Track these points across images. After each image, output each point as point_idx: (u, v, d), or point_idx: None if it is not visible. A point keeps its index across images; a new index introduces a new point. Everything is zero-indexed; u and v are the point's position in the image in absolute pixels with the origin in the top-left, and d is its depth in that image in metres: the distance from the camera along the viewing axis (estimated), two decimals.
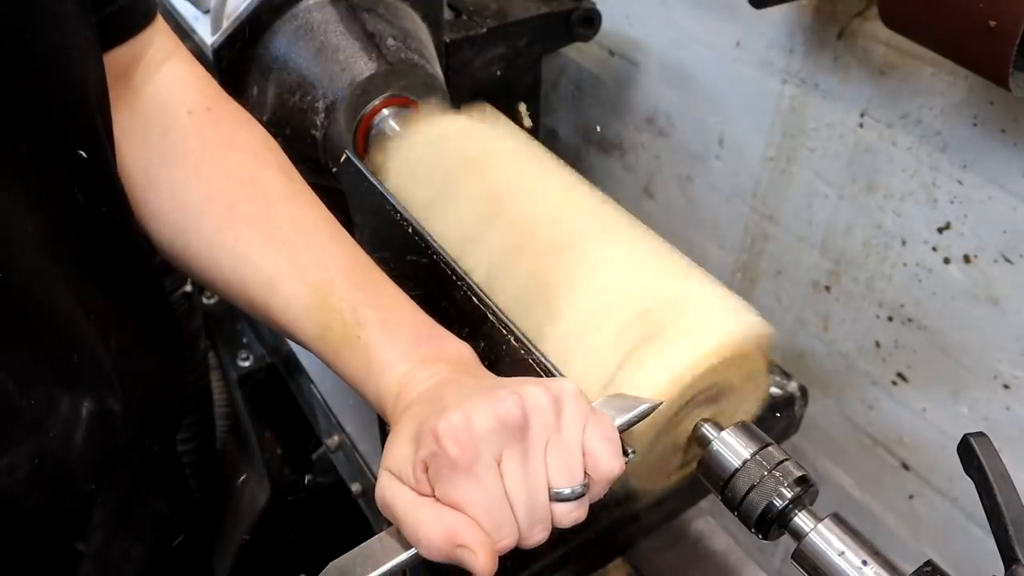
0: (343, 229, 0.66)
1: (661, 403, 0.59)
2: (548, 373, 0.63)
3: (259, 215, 0.63)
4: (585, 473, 0.51)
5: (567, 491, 0.51)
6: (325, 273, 0.61)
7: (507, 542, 0.50)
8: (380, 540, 0.53)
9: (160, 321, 0.67)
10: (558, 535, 0.87)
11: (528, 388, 0.51)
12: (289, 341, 1.21)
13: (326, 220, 0.65)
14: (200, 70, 0.68)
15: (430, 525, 0.49)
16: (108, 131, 0.60)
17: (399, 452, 0.53)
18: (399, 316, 0.61)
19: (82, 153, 0.55)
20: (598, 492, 0.53)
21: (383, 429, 0.85)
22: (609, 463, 0.52)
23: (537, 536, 0.51)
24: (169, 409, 0.67)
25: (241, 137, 0.66)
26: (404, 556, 0.52)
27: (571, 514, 0.51)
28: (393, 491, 0.52)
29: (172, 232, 0.64)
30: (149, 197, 0.64)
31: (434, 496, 0.50)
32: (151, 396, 0.63)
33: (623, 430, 0.55)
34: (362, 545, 0.54)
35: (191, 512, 0.80)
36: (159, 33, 0.66)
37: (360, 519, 1.18)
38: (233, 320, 1.52)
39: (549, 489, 0.51)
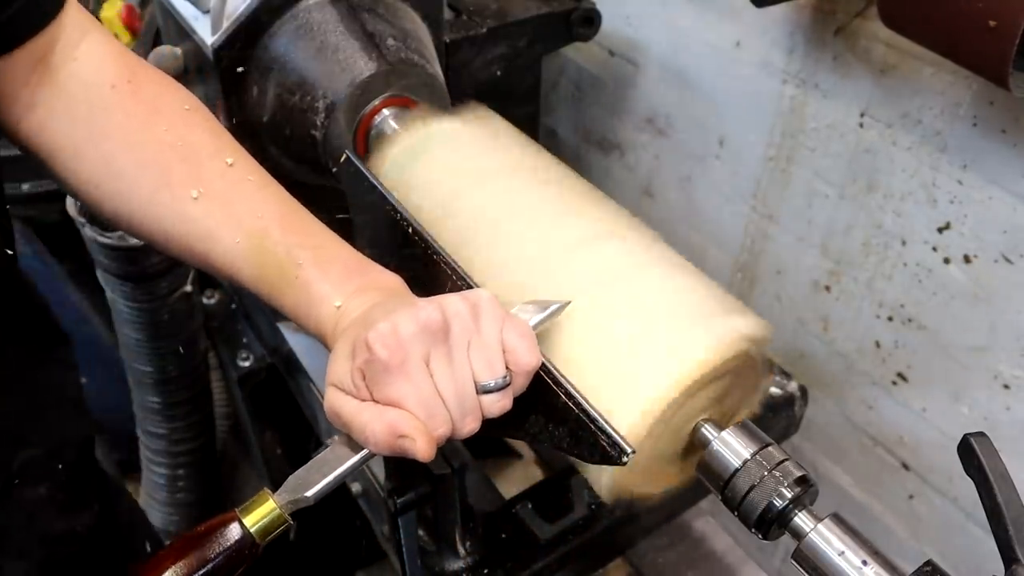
0: (272, 178, 0.70)
1: (570, 302, 0.65)
2: (547, 374, 0.62)
3: (192, 174, 0.66)
4: (508, 368, 0.58)
5: (491, 383, 0.58)
6: (259, 221, 0.66)
7: (442, 430, 0.57)
8: (332, 450, 0.61)
9: (41, 335, 0.68)
10: (557, 536, 0.88)
11: (448, 298, 0.58)
12: (289, 341, 1.21)
13: (255, 171, 0.70)
14: (117, 44, 0.70)
15: (374, 423, 0.56)
16: None
17: (339, 367, 0.59)
18: (331, 253, 0.67)
19: None
20: (520, 384, 0.59)
21: None
22: (527, 356, 0.58)
23: (469, 426, 0.58)
24: (56, 422, 0.68)
25: (166, 103, 0.69)
26: (355, 458, 0.60)
27: (497, 403, 0.58)
28: (339, 401, 0.59)
29: (111, 198, 0.67)
30: (83, 169, 0.66)
31: (373, 400, 0.57)
32: (27, 413, 0.64)
33: (538, 329, 0.62)
34: (316, 456, 0.60)
35: (109, 527, 0.78)
36: (70, 15, 0.67)
37: (360, 519, 1.17)
38: (233, 320, 1.52)
39: (475, 383, 0.57)
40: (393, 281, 0.67)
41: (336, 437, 0.62)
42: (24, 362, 0.66)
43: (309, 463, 0.61)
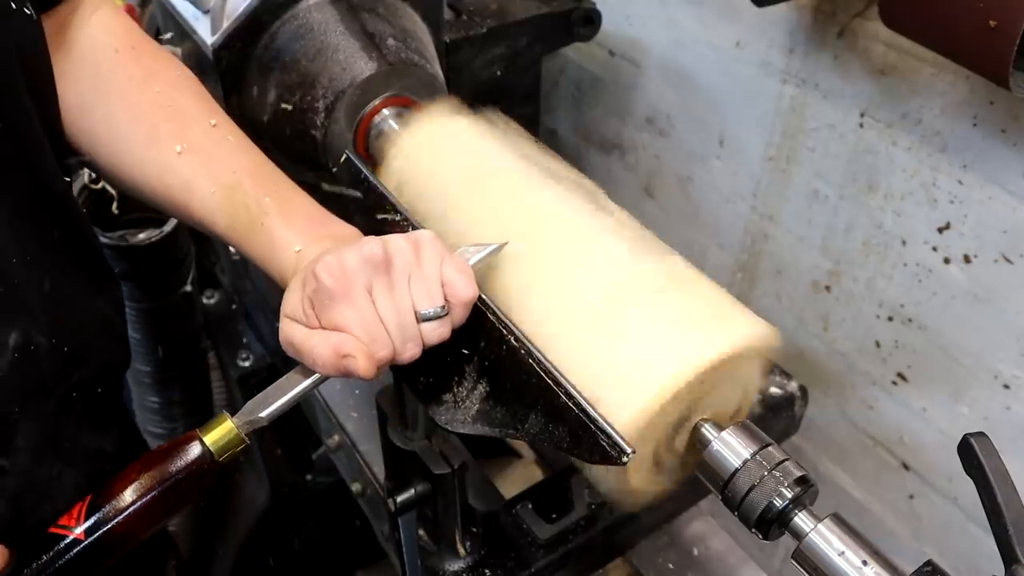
0: (251, 141, 0.78)
1: (507, 243, 0.70)
2: (548, 374, 0.63)
3: (178, 131, 0.74)
4: (447, 300, 0.63)
5: (430, 312, 0.62)
6: (233, 175, 0.73)
7: (384, 353, 0.62)
8: (287, 377, 0.66)
9: (96, 270, 0.77)
10: (557, 536, 0.88)
11: (392, 236, 0.64)
12: None
13: (235, 133, 0.77)
14: (126, 17, 0.80)
15: (320, 346, 0.61)
16: (38, 91, 0.68)
17: (292, 299, 0.65)
18: (295, 206, 0.73)
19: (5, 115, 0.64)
20: (459, 315, 0.64)
21: (383, 430, 0.85)
22: (464, 289, 0.63)
23: (410, 351, 0.63)
24: (104, 349, 0.76)
25: (161, 70, 0.77)
26: (307, 382, 0.65)
27: (436, 331, 0.63)
28: (291, 330, 0.64)
29: (106, 151, 0.75)
30: (85, 124, 0.74)
31: (321, 327, 0.62)
32: (82, 335, 0.71)
33: (477, 267, 0.67)
34: (274, 383, 0.65)
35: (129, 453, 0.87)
36: None
37: (360, 518, 1.17)
38: (233, 320, 1.52)
39: (416, 312, 0.62)
40: (351, 232, 0.72)
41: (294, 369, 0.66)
42: (86, 288, 0.73)
43: (267, 389, 0.66)
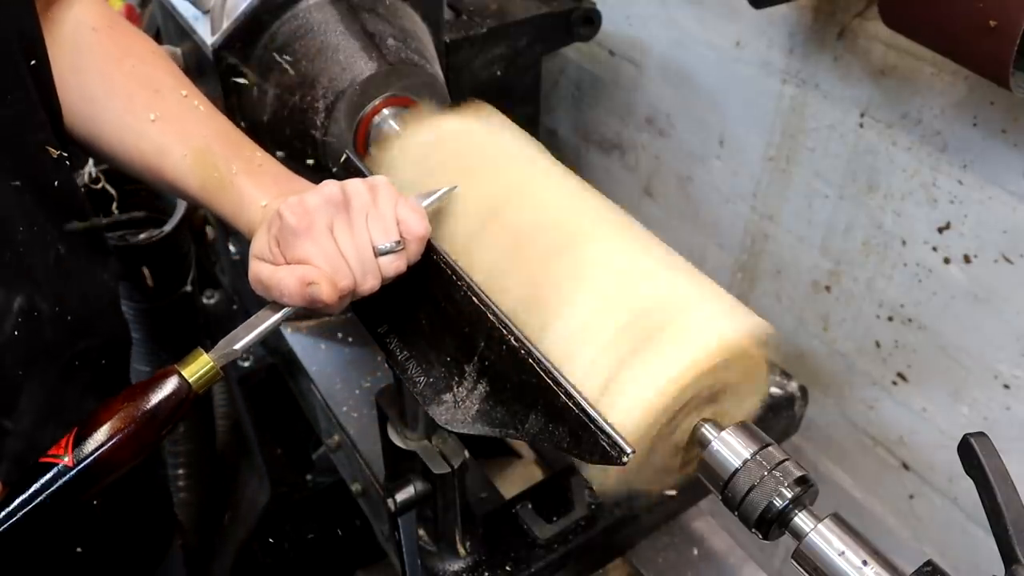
0: (218, 110, 0.83)
1: (456, 187, 0.77)
2: (548, 374, 0.63)
3: (152, 101, 0.79)
4: (402, 237, 0.69)
5: (386, 246, 0.68)
6: (204, 140, 0.78)
7: (345, 283, 0.67)
8: (257, 315, 0.70)
9: (98, 248, 0.81)
10: (557, 536, 0.88)
11: (350, 180, 0.70)
12: (289, 341, 1.21)
13: (204, 103, 0.82)
14: (104, 2, 0.85)
15: (287, 278, 0.66)
16: (38, 73, 0.72)
17: (259, 241, 0.70)
18: (262, 167, 0.79)
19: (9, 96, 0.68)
20: (414, 251, 0.70)
21: (383, 430, 0.85)
22: (417, 225, 0.69)
23: (370, 282, 0.68)
24: (107, 322, 0.80)
25: (136, 47, 0.83)
26: (276, 316, 0.69)
27: (393, 264, 0.69)
28: (259, 268, 0.69)
29: (84, 121, 0.80)
30: (64, 97, 0.78)
31: (287, 263, 0.67)
32: (85, 306, 0.76)
33: (429, 208, 0.74)
34: (245, 322, 0.69)
35: None
36: None
37: (360, 518, 1.17)
38: (233, 320, 1.52)
39: (373, 247, 0.68)
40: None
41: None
42: (89, 263, 0.78)
43: (239, 327, 0.69)
